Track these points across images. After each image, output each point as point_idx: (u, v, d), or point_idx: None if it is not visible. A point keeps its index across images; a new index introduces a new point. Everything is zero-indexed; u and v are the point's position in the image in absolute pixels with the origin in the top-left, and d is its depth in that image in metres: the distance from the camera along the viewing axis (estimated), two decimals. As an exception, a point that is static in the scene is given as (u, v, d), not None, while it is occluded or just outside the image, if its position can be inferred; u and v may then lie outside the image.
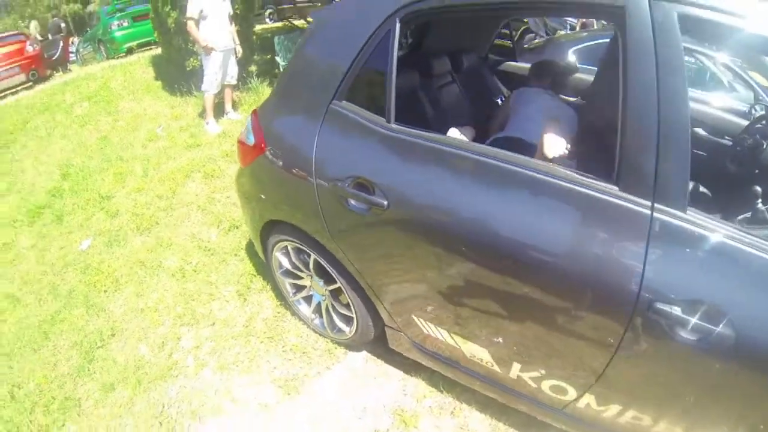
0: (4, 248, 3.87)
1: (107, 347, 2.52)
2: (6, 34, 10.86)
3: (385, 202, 1.45)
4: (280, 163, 1.80)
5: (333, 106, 1.62)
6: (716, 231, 1.07)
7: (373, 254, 1.65)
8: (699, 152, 2.15)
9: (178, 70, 6.58)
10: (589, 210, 1.18)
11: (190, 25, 4.77)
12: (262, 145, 1.89)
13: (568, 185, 1.19)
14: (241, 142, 2.10)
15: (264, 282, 2.72)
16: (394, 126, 1.50)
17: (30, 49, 9.48)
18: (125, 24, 10.46)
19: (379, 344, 2.06)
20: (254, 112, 2.04)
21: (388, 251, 1.59)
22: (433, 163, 1.41)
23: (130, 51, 10.29)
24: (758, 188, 1.48)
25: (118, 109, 6.82)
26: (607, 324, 1.20)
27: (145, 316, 2.69)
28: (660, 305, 1.09)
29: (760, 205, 1.44)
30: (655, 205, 1.10)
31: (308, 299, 2.26)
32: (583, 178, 1.18)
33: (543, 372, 1.42)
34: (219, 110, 5.44)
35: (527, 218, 1.25)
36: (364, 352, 2.20)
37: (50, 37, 12.17)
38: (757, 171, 1.83)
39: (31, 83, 9.35)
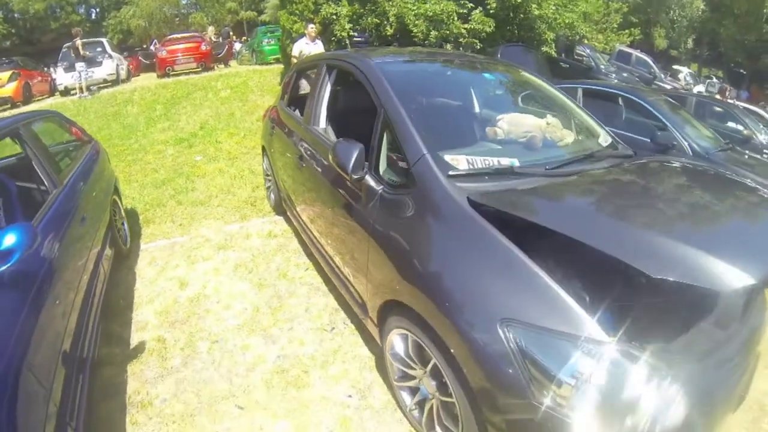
0: (159, 153, 7.14)
1: (188, 193, 5.42)
2: (189, 34, 15.53)
3: (276, 126, 4.05)
4: (268, 120, 4.54)
5: (281, 103, 4.29)
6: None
7: (275, 158, 4.19)
8: None
9: (290, 80, 9.79)
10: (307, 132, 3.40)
11: (293, 60, 7.88)
12: (265, 115, 4.67)
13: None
14: (263, 114, 4.91)
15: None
16: (287, 107, 4.02)
17: (203, 47, 13.74)
18: (272, 42, 14.37)
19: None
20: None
21: (276, 152, 4.11)
22: (287, 126, 3.88)
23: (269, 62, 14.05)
24: None
25: (248, 99, 10.21)
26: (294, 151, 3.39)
27: (210, 187, 5.56)
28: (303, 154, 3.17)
29: None
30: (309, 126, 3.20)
31: (269, 189, 4.89)
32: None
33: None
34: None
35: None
36: (282, 218, 4.59)
37: (221, 40, 16.67)
38: None
39: (200, 70, 13.49)
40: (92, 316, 2.46)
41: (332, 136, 3.07)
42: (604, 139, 2.72)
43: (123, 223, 4.07)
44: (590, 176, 2.04)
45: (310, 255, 3.67)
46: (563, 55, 13.14)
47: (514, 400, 1.41)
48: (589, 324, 1.36)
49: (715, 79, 20.33)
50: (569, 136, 2.65)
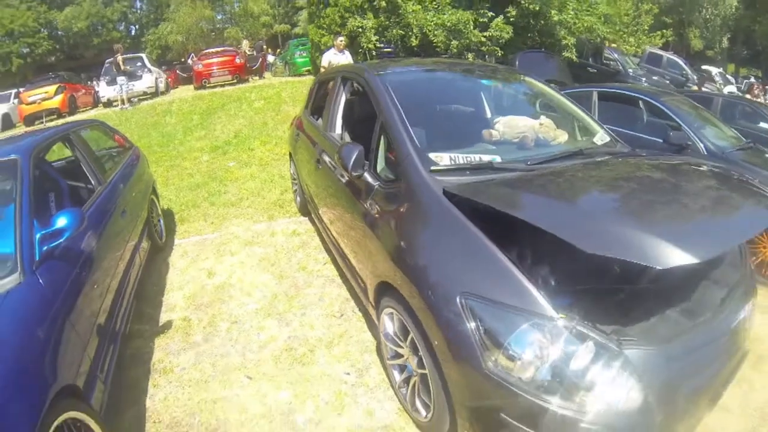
0: (195, 159, 7.61)
1: (221, 195, 5.81)
2: (224, 48, 16.30)
3: (301, 132, 4.36)
4: (294, 128, 4.87)
5: (305, 112, 4.62)
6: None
7: (299, 162, 4.53)
8: None
9: (321, 91, 10.25)
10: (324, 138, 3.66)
11: (322, 70, 8.25)
12: (292, 123, 5.00)
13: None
14: (291, 122, 5.25)
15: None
16: (310, 116, 4.36)
17: (237, 60, 14.40)
18: (304, 54, 14.92)
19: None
20: None
21: (300, 158, 4.44)
22: (309, 133, 4.19)
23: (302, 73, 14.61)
24: None
25: (280, 109, 10.64)
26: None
27: (241, 190, 5.94)
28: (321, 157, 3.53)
29: None
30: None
31: (296, 192, 5.22)
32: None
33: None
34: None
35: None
36: (306, 218, 4.94)
37: (255, 53, 17.37)
38: None
39: (234, 82, 14.14)
40: (127, 295, 2.82)
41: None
42: (601, 137, 2.87)
43: (159, 220, 4.46)
44: (564, 170, 2.22)
45: (329, 251, 3.94)
46: (591, 59, 13.12)
47: (469, 366, 1.60)
48: (541, 301, 1.54)
49: (752, 79, 19.66)
50: (562, 136, 2.82)
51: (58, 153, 3.61)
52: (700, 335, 1.70)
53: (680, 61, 15.75)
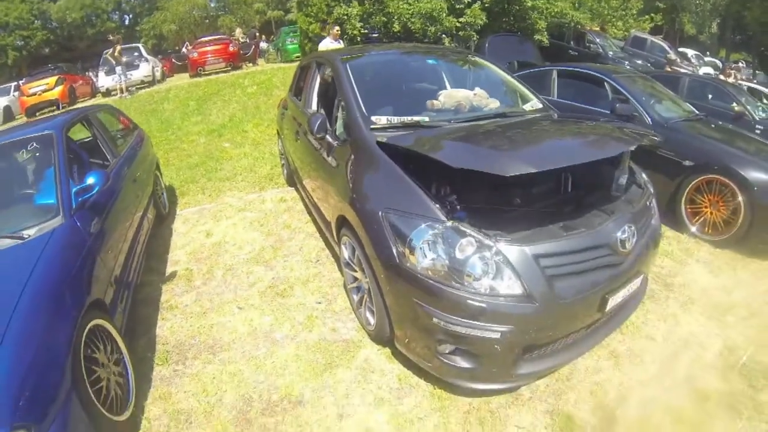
0: (192, 142, 8.20)
1: (217, 172, 6.40)
2: (218, 36, 16.78)
3: (286, 111, 4.95)
4: (281, 107, 5.44)
5: (289, 93, 5.19)
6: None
7: (285, 138, 5.12)
8: None
9: (309, 75, 10.79)
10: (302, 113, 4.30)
11: None
12: (279, 104, 5.58)
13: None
14: (278, 103, 5.83)
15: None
16: (293, 96, 4.95)
17: (231, 48, 14.88)
18: (295, 41, 15.39)
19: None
20: None
21: (285, 133, 5.03)
22: (291, 111, 4.79)
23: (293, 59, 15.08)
24: None
25: (272, 93, 11.17)
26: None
27: (235, 167, 6.52)
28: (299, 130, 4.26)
29: None
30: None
31: (283, 165, 5.80)
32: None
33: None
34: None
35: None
36: (292, 188, 5.53)
37: (248, 41, 17.84)
38: None
39: (228, 69, 14.64)
40: (139, 246, 3.47)
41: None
42: (532, 105, 3.47)
43: (162, 193, 5.08)
44: (474, 126, 2.87)
45: (309, 213, 4.56)
46: (572, 42, 13.63)
47: (388, 262, 2.22)
48: (436, 211, 2.16)
49: (741, 63, 20.13)
50: (493, 103, 3.43)
51: (80, 133, 4.21)
52: (569, 243, 2.13)
53: (664, 45, 16.20)
